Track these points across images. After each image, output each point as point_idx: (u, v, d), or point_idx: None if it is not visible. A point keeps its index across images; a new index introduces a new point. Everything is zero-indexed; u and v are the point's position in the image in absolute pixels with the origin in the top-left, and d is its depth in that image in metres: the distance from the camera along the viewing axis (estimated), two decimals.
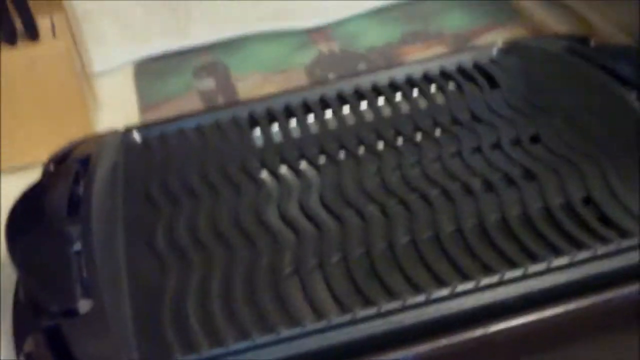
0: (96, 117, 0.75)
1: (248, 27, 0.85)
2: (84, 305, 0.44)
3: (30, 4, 0.66)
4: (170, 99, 0.78)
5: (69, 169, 0.55)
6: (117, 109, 0.77)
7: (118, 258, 0.49)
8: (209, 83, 0.79)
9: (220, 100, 0.77)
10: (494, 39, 0.74)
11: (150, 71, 0.82)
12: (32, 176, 0.56)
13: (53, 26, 0.67)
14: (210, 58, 0.83)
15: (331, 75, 0.77)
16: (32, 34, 0.66)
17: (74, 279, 0.46)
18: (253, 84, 0.78)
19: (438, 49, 0.79)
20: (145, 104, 0.77)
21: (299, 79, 0.78)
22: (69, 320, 0.44)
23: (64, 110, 0.69)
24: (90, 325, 0.43)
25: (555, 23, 0.80)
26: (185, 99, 0.77)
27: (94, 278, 0.46)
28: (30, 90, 0.67)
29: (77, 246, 0.48)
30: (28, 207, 0.52)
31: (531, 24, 0.82)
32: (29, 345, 0.45)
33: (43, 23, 0.67)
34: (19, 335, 0.46)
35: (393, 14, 0.87)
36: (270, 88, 0.76)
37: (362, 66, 0.79)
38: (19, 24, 0.66)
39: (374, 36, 0.84)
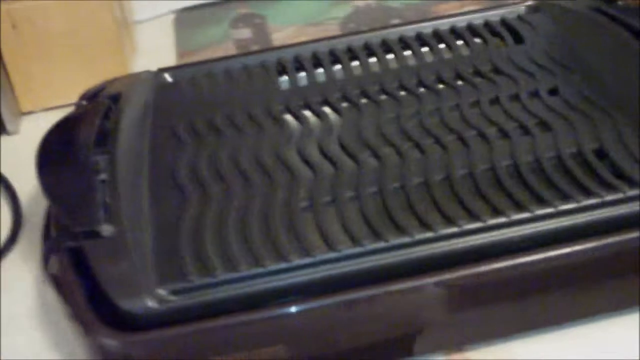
0: (134, 63, 0.77)
1: None
2: (106, 229, 0.46)
3: None
4: (206, 47, 0.79)
5: (99, 104, 0.57)
6: (155, 55, 0.79)
7: (142, 188, 0.51)
8: (245, 33, 0.81)
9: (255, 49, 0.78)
10: None
11: (189, 20, 0.84)
12: None
13: None
14: (247, 9, 0.85)
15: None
16: None
17: (98, 204, 0.48)
18: (287, 35, 0.80)
19: (472, 8, 0.79)
20: (182, 51, 0.79)
21: (333, 31, 0.79)
22: (92, 242, 0.46)
23: (101, 54, 0.72)
24: (112, 248, 0.46)
25: None
26: (221, 47, 0.79)
27: (118, 205, 0.48)
28: (70, 35, 0.70)
29: (103, 176, 0.50)
30: (58, 139, 0.54)
31: None
32: (53, 265, 0.47)
33: None
34: (46, 257, 0.49)
35: None
36: (303, 39, 0.77)
37: (395, 21, 0.79)
38: None
39: None
